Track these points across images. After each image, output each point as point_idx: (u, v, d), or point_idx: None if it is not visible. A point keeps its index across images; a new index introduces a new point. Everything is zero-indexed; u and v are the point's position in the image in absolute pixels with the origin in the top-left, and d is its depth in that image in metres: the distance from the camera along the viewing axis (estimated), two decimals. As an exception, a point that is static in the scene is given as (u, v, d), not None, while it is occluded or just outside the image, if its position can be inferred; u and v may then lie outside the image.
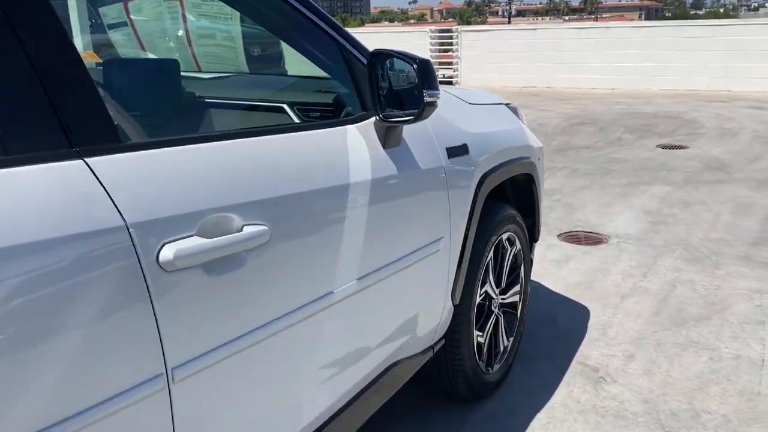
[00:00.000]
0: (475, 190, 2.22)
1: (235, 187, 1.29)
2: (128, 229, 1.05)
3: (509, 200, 2.80)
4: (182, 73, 2.22)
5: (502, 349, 2.69)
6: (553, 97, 12.59)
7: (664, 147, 7.47)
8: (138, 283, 1.06)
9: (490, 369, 2.61)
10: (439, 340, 2.23)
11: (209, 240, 1.18)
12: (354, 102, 1.82)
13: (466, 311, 2.31)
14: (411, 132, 1.91)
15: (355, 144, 1.70)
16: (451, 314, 2.24)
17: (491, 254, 2.46)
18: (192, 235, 1.16)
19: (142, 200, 1.10)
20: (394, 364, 1.96)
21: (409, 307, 1.93)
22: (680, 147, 7.43)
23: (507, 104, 2.84)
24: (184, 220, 1.15)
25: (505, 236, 2.58)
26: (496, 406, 2.59)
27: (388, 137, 1.79)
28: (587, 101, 11.52)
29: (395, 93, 1.74)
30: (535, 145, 2.82)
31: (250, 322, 1.30)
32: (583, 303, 3.53)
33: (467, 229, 2.19)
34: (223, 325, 1.23)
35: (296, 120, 1.89)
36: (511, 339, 2.78)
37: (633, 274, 3.92)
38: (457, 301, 2.23)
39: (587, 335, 3.16)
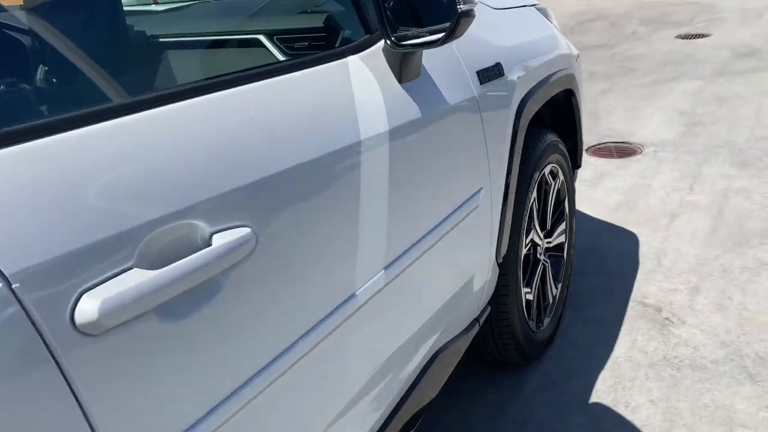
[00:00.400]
0: (515, 119, 1.77)
1: (195, 176, 0.84)
2: (7, 281, 0.62)
3: (546, 124, 2.34)
4: (128, 8, 1.73)
5: (551, 300, 2.30)
6: (553, -7, 11.73)
7: (685, 37, 6.85)
8: (42, 368, 0.64)
9: (540, 325, 2.22)
10: (484, 308, 1.83)
11: (159, 271, 0.75)
12: (353, 22, 1.35)
13: (513, 268, 1.90)
14: (431, 56, 1.44)
15: (361, 81, 1.24)
16: (496, 276, 1.83)
17: (534, 194, 2.03)
18: (129, 268, 0.73)
19: (27, 224, 0.66)
20: (440, 350, 1.57)
21: (447, 285, 1.52)
22: (702, 36, 6.82)
23: (534, 5, 2.33)
24: (112, 246, 0.72)
25: (547, 169, 2.14)
26: (551, 368, 2.22)
27: (405, 67, 1.33)
28: (592, -5, 10.70)
29: (408, 3, 1.26)
30: (573, 52, 2.32)
31: (245, 370, 0.89)
32: (629, 228, 3.11)
33: (509, 171, 1.74)
34: (202, 391, 0.82)
35: (278, 56, 1.42)
36: (560, 285, 2.38)
37: (678, 187, 3.48)
38: (501, 259, 1.81)
39: (641, 267, 2.76)
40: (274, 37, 1.46)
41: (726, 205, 3.21)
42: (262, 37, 1.48)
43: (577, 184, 3.65)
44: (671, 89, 5.19)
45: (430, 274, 1.40)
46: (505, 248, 1.80)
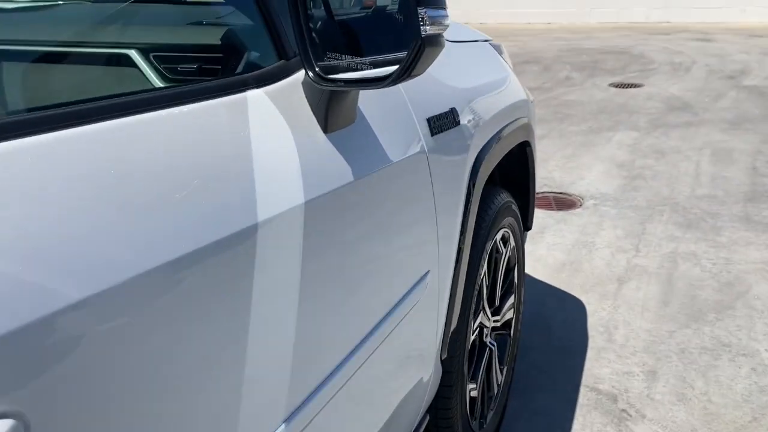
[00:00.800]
0: (469, 179, 1.40)
1: None
2: None
3: (496, 180, 1.99)
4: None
5: (496, 389, 1.92)
6: (487, 34, 11.76)
7: (618, 86, 6.82)
8: None
9: (483, 423, 1.84)
10: (422, 419, 1.43)
11: None
12: (263, 42, 0.94)
13: (458, 364, 1.51)
14: (370, 96, 1.05)
15: (265, 126, 0.84)
16: (439, 376, 1.44)
17: (485, 267, 1.66)
18: None
19: None
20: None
21: (381, 406, 1.11)
22: (635, 85, 6.80)
23: (488, 41, 1.99)
24: None
25: (499, 235, 1.78)
26: (494, 475, 1.84)
27: (333, 110, 0.93)
28: (525, 37, 10.75)
29: (345, 23, 0.87)
30: (529, 97, 2.00)
31: None
32: (575, 294, 2.80)
33: (460, 245, 1.36)
34: None
35: (153, 79, 0.99)
36: (505, 369, 2.01)
37: (623, 248, 3.22)
38: (446, 354, 1.42)
39: (591, 343, 2.44)
40: (151, 55, 1.03)
41: (675, 272, 2.96)
42: (134, 53, 1.05)
43: (516, 239, 3.34)
44: (608, 139, 5.03)
45: (360, 400, 0.99)
46: (449, 339, 1.42)
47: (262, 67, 0.92)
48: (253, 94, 0.85)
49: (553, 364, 2.32)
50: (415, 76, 0.82)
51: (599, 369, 2.29)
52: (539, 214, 3.67)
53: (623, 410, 2.08)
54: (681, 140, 4.92)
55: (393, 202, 1.07)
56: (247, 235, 0.73)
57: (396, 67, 0.82)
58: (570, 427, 2.01)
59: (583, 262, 3.09)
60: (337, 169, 0.92)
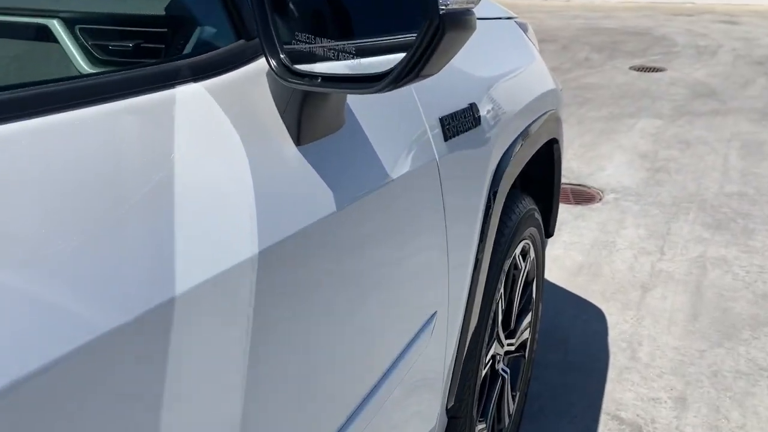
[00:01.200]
0: (489, 189, 1.13)
1: None
2: None
3: (517, 184, 1.73)
4: None
5: (507, 423, 1.68)
6: (502, 9, 11.34)
7: (640, 69, 6.49)
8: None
9: (492, 461, 1.60)
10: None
11: None
12: (217, 16, 0.68)
13: (467, 409, 1.27)
14: (364, 95, 0.79)
15: (203, 142, 0.58)
16: (444, 426, 1.20)
17: (502, 289, 1.40)
18: None
19: None
20: None
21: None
22: (657, 69, 6.47)
23: (514, 18, 1.71)
24: None
25: (518, 249, 1.52)
26: None
27: (311, 112, 0.67)
28: (541, 15, 10.35)
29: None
30: (557, 86, 1.72)
31: None
32: (594, 302, 2.55)
33: (474, 276, 1.11)
34: None
35: (78, 60, 0.74)
36: (517, 397, 1.77)
37: (647, 250, 2.96)
38: (453, 402, 1.18)
39: (612, 361, 2.19)
40: (78, 27, 0.77)
41: (704, 279, 2.70)
42: (56, 24, 0.78)
43: (530, 235, 3.09)
44: (630, 126, 4.73)
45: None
46: (458, 383, 1.17)
47: (214, 48, 0.66)
48: (189, 91, 0.59)
49: (569, 385, 2.08)
50: (427, 75, 0.55)
51: (621, 393, 2.04)
52: (555, 208, 3.40)
53: (649, 445, 1.84)
54: (707, 130, 4.62)
55: (392, 234, 0.81)
56: (161, 314, 0.47)
57: (399, 57, 0.56)
58: (589, 464, 1.77)
59: (603, 265, 2.83)
60: (314, 198, 0.66)
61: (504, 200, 1.21)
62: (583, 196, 3.59)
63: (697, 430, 1.89)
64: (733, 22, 9.05)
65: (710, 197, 3.53)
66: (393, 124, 0.86)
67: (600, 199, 3.54)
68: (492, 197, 1.14)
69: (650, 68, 6.49)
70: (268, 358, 0.59)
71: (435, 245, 0.94)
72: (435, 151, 0.92)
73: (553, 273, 2.78)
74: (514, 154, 1.22)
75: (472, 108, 1.05)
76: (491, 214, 1.14)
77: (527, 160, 1.34)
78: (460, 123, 1.00)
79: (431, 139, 0.91)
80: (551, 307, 2.50)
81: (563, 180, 3.78)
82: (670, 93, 5.61)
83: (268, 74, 0.66)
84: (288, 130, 0.66)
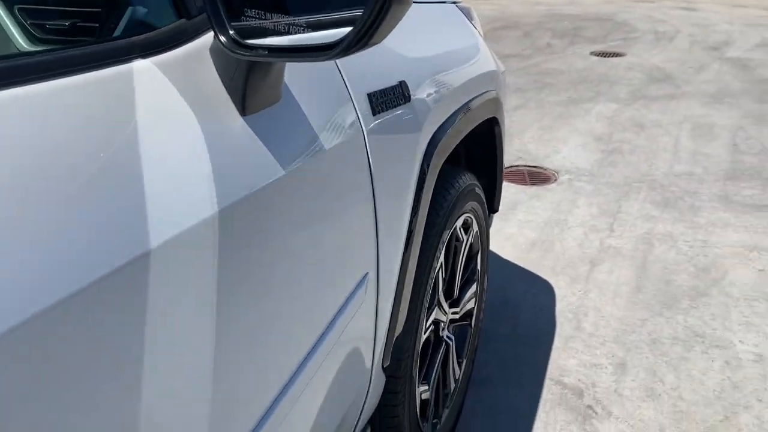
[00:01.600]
0: (421, 164, 1.22)
1: None
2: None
3: (459, 159, 1.81)
4: None
5: (452, 386, 1.78)
6: (468, -4, 11.43)
7: (600, 55, 6.63)
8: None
9: (437, 423, 1.70)
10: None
11: None
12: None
13: (406, 369, 1.35)
14: (296, 68, 0.86)
15: (159, 114, 0.65)
16: (382, 385, 1.28)
17: (442, 258, 1.49)
18: None
19: None
20: None
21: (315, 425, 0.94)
22: (617, 54, 6.62)
23: (455, 2, 1.79)
24: None
25: (460, 222, 1.61)
26: (448, 479, 1.71)
27: (254, 85, 0.74)
28: (505, 1, 10.46)
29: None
30: (500, 68, 1.81)
31: None
32: (545, 276, 2.66)
33: (408, 241, 1.19)
34: None
35: (17, 39, 0.79)
36: (464, 363, 1.87)
37: (597, 227, 3.08)
38: (389, 362, 1.26)
39: (558, 331, 2.31)
40: (15, 7, 0.82)
41: (650, 255, 2.83)
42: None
43: (486, 215, 3.18)
44: (587, 110, 4.86)
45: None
46: (395, 347, 1.26)
47: (156, 28, 0.73)
48: (140, 66, 0.65)
49: (517, 354, 2.18)
50: (375, 43, 0.63)
51: (566, 360, 2.16)
52: (512, 189, 3.52)
53: (589, 406, 1.95)
54: (661, 113, 4.76)
55: (322, 202, 0.89)
56: (137, 269, 0.55)
57: (347, 30, 0.63)
58: (531, 426, 1.88)
59: (554, 242, 2.94)
60: (260, 163, 0.73)
61: (437, 173, 1.29)
62: (539, 178, 3.71)
63: (634, 393, 2.01)
64: (692, 9, 9.26)
65: (660, 177, 3.67)
66: (323, 99, 0.94)
67: (555, 180, 3.65)
68: (425, 170, 1.22)
69: (610, 53, 6.64)
70: (228, 309, 0.67)
71: (364, 212, 1.02)
72: (362, 125, 1.00)
73: (506, 250, 2.88)
74: (447, 130, 1.30)
75: (402, 85, 1.13)
76: (424, 186, 1.22)
77: (462, 137, 1.43)
78: (388, 99, 1.08)
79: (359, 114, 0.99)
80: (503, 282, 2.60)
81: (521, 162, 3.90)
82: (627, 78, 5.76)
83: (211, 51, 0.73)
84: (234, 103, 0.73)
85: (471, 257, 1.83)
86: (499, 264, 2.76)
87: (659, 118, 4.67)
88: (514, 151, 4.04)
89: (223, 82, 0.74)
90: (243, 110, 0.75)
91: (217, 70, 0.74)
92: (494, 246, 2.91)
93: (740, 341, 2.25)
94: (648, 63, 6.24)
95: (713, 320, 2.37)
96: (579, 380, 2.06)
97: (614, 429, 1.87)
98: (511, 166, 3.83)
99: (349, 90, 0.98)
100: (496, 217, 3.18)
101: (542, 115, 4.74)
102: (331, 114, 0.94)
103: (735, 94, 5.22)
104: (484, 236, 1.88)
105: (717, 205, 3.30)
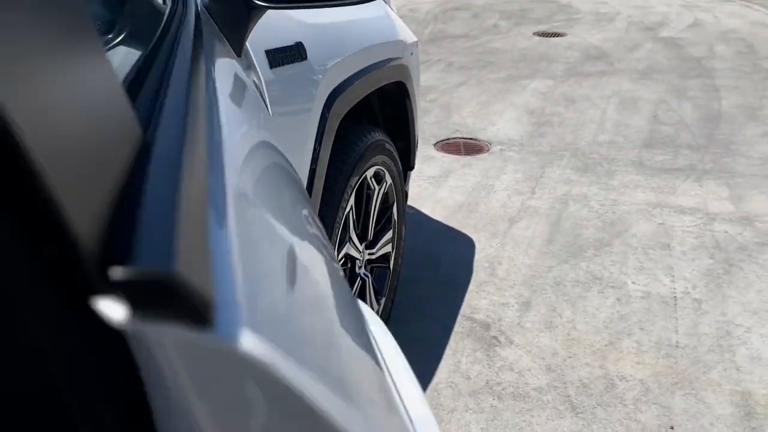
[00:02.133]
0: (321, 116, 1.45)
1: None
2: None
3: (375, 121, 2.06)
4: None
5: (370, 318, 2.03)
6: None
7: (542, 35, 6.93)
8: None
9: (355, 349, 1.95)
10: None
11: None
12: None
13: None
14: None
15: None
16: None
17: (352, 201, 1.74)
18: None
19: None
20: None
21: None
22: (558, 35, 6.92)
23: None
24: None
25: (370, 173, 1.86)
26: (366, 396, 1.97)
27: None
28: (459, -16, 10.71)
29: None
30: (408, 40, 2.05)
31: None
32: (467, 233, 2.94)
33: (311, 176, 1.43)
34: None
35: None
36: (383, 300, 2.13)
37: (520, 190, 3.37)
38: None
39: (474, 277, 2.58)
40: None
41: (564, 212, 3.12)
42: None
43: (421, 181, 3.45)
44: (524, 86, 5.15)
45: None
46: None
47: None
48: None
49: (435, 296, 2.45)
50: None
51: (478, 300, 2.43)
52: (447, 159, 3.78)
53: (494, 337, 2.23)
54: (592, 89, 5.08)
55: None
56: None
57: None
58: (443, 353, 2.15)
59: (479, 204, 3.22)
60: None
61: (338, 125, 1.53)
62: (474, 148, 3.98)
63: (534, 325, 2.30)
64: (635, -9, 9.62)
65: (584, 146, 3.97)
66: (213, 51, 1.17)
67: (487, 150, 3.93)
68: (323, 122, 1.46)
69: (552, 33, 6.94)
70: None
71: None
72: (261, 75, 1.23)
73: (436, 212, 3.15)
74: (345, 89, 1.54)
75: (299, 46, 1.37)
76: (324, 133, 1.46)
77: (363, 96, 1.67)
78: (285, 56, 1.31)
79: (256, 66, 1.22)
80: (428, 238, 2.87)
81: (458, 134, 4.16)
82: (565, 56, 6.07)
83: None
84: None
85: (387, 208, 2.08)
86: (427, 224, 3.02)
87: (590, 93, 4.98)
88: (452, 125, 4.31)
89: None
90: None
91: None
92: (426, 208, 3.17)
93: (633, 282, 2.55)
94: (586, 42, 6.56)
95: (612, 266, 2.67)
96: (488, 316, 2.34)
97: (514, 355, 2.15)
98: (447, 139, 4.09)
99: (248, 46, 1.21)
100: (431, 183, 3.45)
101: (482, 92, 5.02)
102: (232, 66, 1.17)
103: (662, 70, 5.56)
104: (398, 189, 2.13)
105: (630, 169, 3.61)
